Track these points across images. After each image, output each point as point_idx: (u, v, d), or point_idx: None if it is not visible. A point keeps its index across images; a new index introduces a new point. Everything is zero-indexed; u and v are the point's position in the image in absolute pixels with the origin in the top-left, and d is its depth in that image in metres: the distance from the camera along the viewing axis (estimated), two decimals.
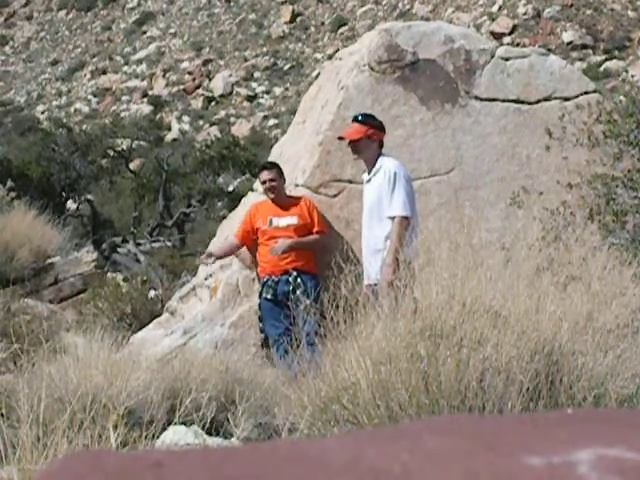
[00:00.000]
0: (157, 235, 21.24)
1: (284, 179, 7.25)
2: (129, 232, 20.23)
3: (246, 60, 60.78)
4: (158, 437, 4.53)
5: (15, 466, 3.22)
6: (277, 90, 57.50)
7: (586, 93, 7.85)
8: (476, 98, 7.76)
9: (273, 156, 8.51)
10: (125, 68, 64.48)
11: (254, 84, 58.55)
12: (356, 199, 7.35)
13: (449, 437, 1.04)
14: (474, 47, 7.85)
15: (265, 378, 5.69)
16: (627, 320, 4.41)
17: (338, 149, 7.25)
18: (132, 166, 25.59)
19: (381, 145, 6.43)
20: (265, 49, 61.63)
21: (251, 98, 56.86)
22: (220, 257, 7.24)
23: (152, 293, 11.53)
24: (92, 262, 13.14)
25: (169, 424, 4.78)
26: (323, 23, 62.34)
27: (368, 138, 6.31)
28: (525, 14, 51.43)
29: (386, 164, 6.32)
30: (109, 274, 14.33)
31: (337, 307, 4.41)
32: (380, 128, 6.39)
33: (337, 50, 32.53)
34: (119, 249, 19.13)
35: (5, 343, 7.10)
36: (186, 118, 54.55)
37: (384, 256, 6.02)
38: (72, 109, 60.17)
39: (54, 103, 62.50)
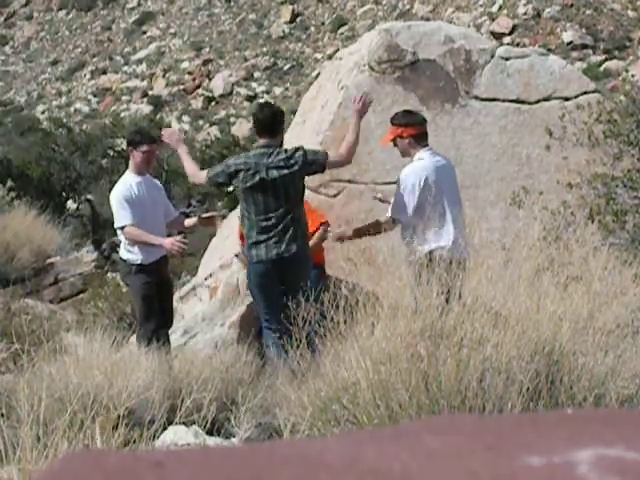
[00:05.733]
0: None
1: None
2: None
3: (246, 60, 60.79)
4: (158, 437, 4.53)
5: (15, 466, 3.22)
6: (277, 90, 57.51)
7: (586, 93, 7.85)
8: (476, 98, 7.76)
9: None
10: (125, 68, 64.49)
11: (254, 84, 58.57)
12: (356, 199, 7.36)
13: (449, 437, 1.04)
14: (474, 47, 7.85)
15: (265, 378, 5.69)
16: (627, 320, 4.41)
17: (338, 149, 7.25)
18: None
19: (417, 138, 6.28)
20: (265, 49, 61.65)
21: (251, 98, 56.86)
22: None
23: None
24: (92, 262, 13.14)
25: (169, 424, 4.78)
26: (323, 23, 62.36)
27: (399, 137, 6.28)
28: (525, 14, 51.43)
29: (408, 165, 6.26)
30: (109, 274, 14.33)
31: (337, 307, 4.41)
32: (407, 124, 6.29)
33: (337, 50, 32.52)
34: (119, 249, 19.10)
35: (5, 343, 7.10)
36: (186, 118, 54.57)
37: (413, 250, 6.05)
38: (72, 109, 60.19)
39: (54, 103, 62.52)
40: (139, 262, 6.60)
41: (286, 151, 6.02)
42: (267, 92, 57.66)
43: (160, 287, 6.72)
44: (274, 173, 5.91)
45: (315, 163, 5.98)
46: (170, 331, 7.04)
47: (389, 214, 6.23)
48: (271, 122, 6.00)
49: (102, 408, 4.18)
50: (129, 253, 6.66)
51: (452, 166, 6.45)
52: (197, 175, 6.30)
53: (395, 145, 6.36)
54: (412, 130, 6.24)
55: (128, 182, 6.68)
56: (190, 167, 6.35)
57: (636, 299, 4.59)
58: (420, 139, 6.26)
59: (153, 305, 6.61)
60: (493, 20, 51.58)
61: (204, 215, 7.23)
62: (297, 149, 6.02)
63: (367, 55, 7.75)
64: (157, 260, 6.68)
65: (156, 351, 5.78)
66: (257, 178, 5.92)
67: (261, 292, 6.12)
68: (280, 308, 5.68)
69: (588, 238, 5.05)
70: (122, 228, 6.59)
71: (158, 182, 7.17)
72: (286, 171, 5.92)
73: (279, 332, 5.77)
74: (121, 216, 6.58)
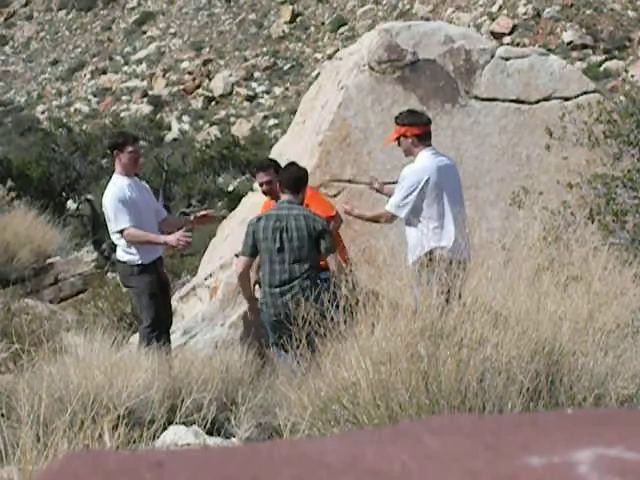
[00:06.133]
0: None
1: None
2: None
3: (246, 60, 60.81)
4: (158, 437, 4.53)
5: (15, 466, 3.22)
6: (277, 90, 57.52)
7: (586, 93, 7.85)
8: (476, 98, 7.76)
9: (273, 156, 8.52)
10: (125, 68, 64.50)
11: (254, 84, 58.58)
12: (355, 199, 7.35)
13: (449, 437, 1.05)
14: (474, 47, 7.85)
15: (265, 378, 5.69)
16: (627, 320, 4.41)
17: (338, 149, 7.25)
18: None
19: (421, 138, 6.29)
20: (265, 49, 61.66)
21: (251, 98, 56.88)
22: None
23: None
24: (92, 262, 13.15)
25: (169, 424, 4.78)
26: (323, 23, 62.36)
27: (403, 136, 6.30)
28: (525, 14, 51.44)
29: (409, 165, 6.28)
30: (109, 274, 14.34)
31: (337, 307, 4.41)
32: (411, 124, 6.30)
33: (337, 50, 32.52)
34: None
35: (5, 343, 7.10)
36: (186, 118, 54.57)
37: (413, 250, 6.09)
38: (72, 109, 60.19)
39: (54, 103, 62.52)
40: (140, 262, 6.60)
41: (310, 211, 6.32)
42: (267, 92, 57.67)
43: (160, 287, 6.73)
44: (293, 224, 6.17)
45: (324, 244, 6.15)
46: (170, 331, 7.04)
47: (387, 207, 6.26)
48: (295, 180, 6.34)
49: (102, 408, 4.18)
50: (129, 254, 6.64)
51: (455, 166, 6.46)
52: (238, 268, 6.47)
53: (399, 144, 6.38)
54: (416, 130, 6.26)
55: (119, 184, 6.68)
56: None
57: (636, 299, 4.59)
58: (423, 139, 6.28)
59: (159, 302, 6.63)
60: (493, 20, 51.59)
61: (199, 214, 7.24)
62: (325, 222, 6.26)
63: (367, 55, 7.75)
64: (155, 260, 6.70)
65: (157, 351, 5.79)
66: (277, 225, 6.19)
67: (272, 331, 6.30)
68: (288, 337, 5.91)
69: (588, 238, 5.05)
70: (121, 231, 6.58)
71: (145, 184, 7.17)
72: (304, 223, 6.17)
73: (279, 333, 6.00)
74: (120, 219, 6.56)
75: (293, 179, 6.33)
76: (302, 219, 6.15)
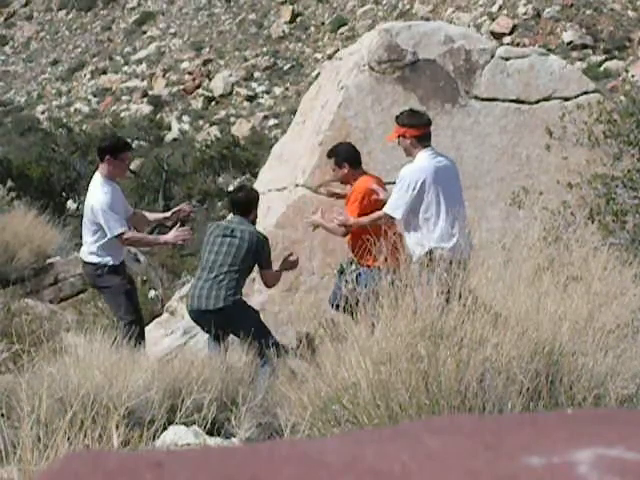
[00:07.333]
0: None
1: (344, 165, 6.77)
2: None
3: (246, 60, 60.79)
4: (158, 437, 4.53)
5: (16, 466, 3.22)
6: (277, 90, 57.50)
7: (586, 93, 7.85)
8: (476, 98, 7.76)
9: (273, 156, 8.52)
10: (125, 68, 64.48)
11: (254, 84, 58.56)
12: None
13: (449, 437, 1.05)
14: (474, 47, 7.85)
15: (265, 378, 5.69)
16: (627, 320, 4.41)
17: None
18: (132, 166, 25.65)
19: (420, 139, 6.28)
20: (265, 49, 61.65)
21: (251, 98, 56.86)
22: None
23: (152, 293, 11.55)
24: None
25: (170, 424, 4.78)
26: (323, 23, 62.34)
27: (402, 137, 6.31)
28: (525, 14, 51.43)
29: (407, 166, 6.28)
30: None
31: (337, 307, 4.41)
32: (411, 125, 6.30)
33: (337, 50, 32.51)
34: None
35: (6, 343, 7.10)
36: (186, 118, 54.55)
37: (413, 250, 6.10)
38: (72, 109, 60.16)
39: (54, 103, 62.50)
40: (111, 263, 6.67)
41: (255, 229, 6.70)
42: (267, 92, 57.65)
43: (131, 284, 6.88)
44: (238, 234, 6.52)
45: (258, 261, 6.56)
46: (170, 331, 7.06)
47: (384, 210, 6.28)
48: (245, 204, 6.69)
49: (102, 408, 4.18)
50: (97, 256, 6.72)
51: (454, 166, 6.45)
52: None
53: (399, 143, 6.40)
54: (415, 131, 6.26)
55: (108, 189, 6.70)
56: None
57: (636, 299, 4.59)
58: (422, 140, 6.28)
59: (133, 299, 6.74)
60: (493, 20, 51.57)
61: (174, 209, 7.29)
62: (266, 239, 6.64)
63: (367, 55, 7.75)
64: (122, 260, 6.86)
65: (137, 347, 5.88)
66: (223, 233, 6.55)
67: (204, 330, 6.62)
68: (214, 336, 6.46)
69: (588, 238, 5.05)
70: (117, 236, 6.63)
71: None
72: (247, 237, 6.49)
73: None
74: (117, 224, 6.61)
75: (243, 203, 6.68)
76: (247, 234, 6.54)
